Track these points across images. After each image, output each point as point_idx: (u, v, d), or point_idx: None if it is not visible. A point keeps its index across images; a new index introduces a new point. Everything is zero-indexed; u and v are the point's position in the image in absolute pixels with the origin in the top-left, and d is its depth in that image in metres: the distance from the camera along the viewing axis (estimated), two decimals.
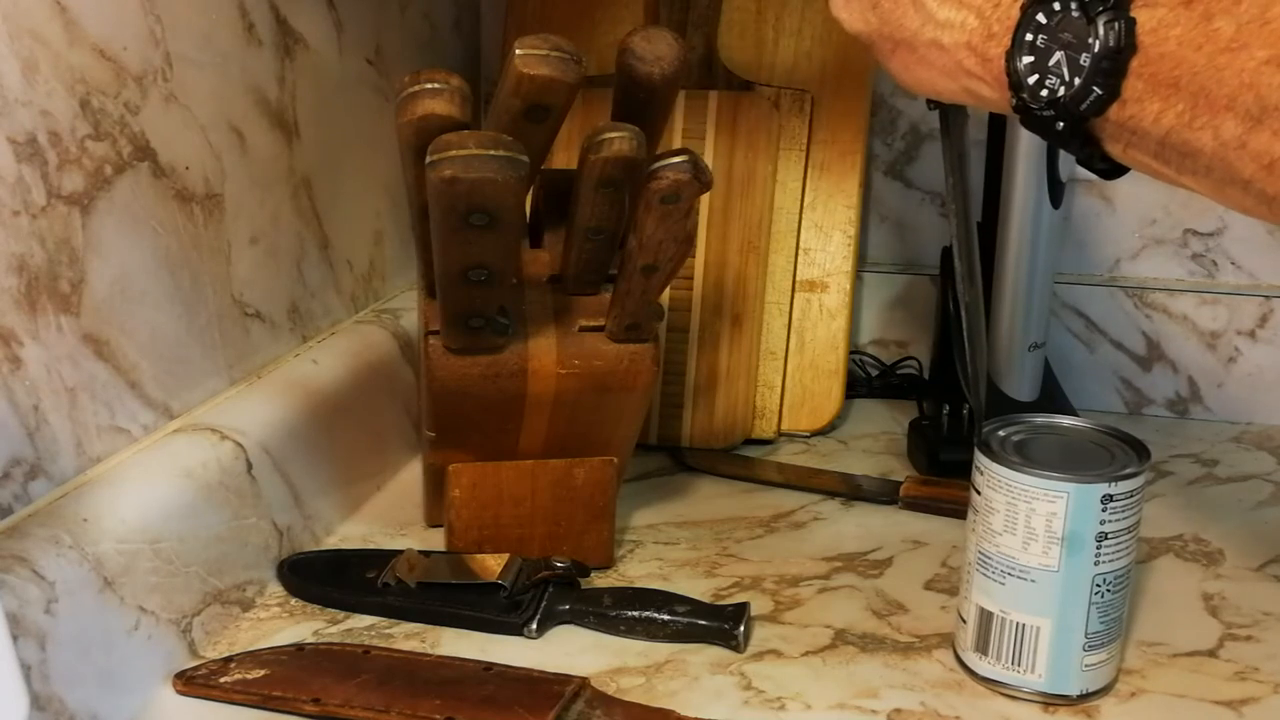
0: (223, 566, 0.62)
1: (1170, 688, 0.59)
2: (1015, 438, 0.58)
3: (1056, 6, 0.44)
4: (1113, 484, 0.54)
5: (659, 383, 0.82)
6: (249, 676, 0.57)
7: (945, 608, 0.65)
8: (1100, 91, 0.43)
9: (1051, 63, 0.44)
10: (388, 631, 0.63)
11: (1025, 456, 0.56)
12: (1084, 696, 0.57)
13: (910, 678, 0.59)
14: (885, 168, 0.98)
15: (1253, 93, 0.39)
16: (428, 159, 0.52)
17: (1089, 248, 0.95)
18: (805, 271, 0.88)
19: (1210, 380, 0.94)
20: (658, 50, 0.58)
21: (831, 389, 0.89)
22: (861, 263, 0.98)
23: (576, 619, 0.63)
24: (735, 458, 0.85)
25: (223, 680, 0.57)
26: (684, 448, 0.85)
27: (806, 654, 0.61)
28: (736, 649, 0.61)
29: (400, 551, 0.67)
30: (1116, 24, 0.42)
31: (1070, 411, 0.85)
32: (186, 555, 0.59)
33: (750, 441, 0.87)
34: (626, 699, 0.56)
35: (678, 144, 0.82)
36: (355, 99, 0.81)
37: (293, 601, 0.65)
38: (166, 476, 0.59)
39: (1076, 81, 0.44)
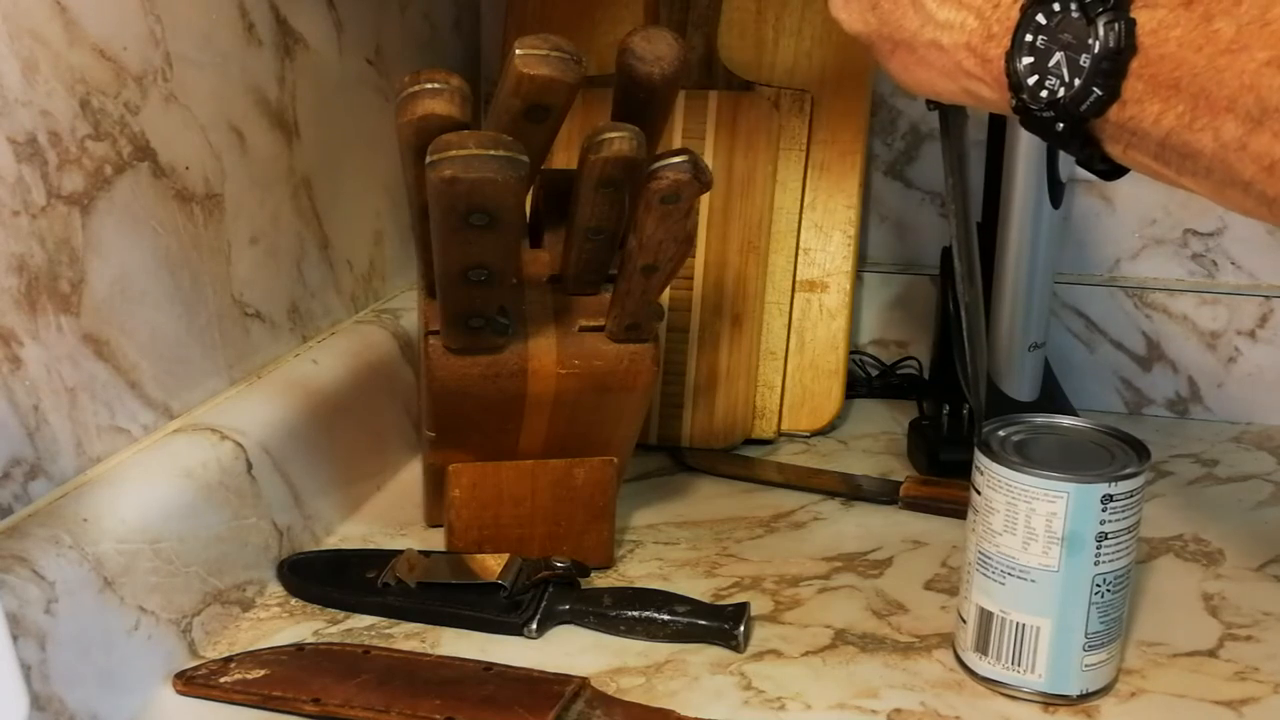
0: (223, 566, 0.62)
1: (1170, 688, 0.59)
2: (1015, 438, 0.58)
3: (1056, 7, 0.44)
4: (1113, 484, 0.54)
5: (659, 383, 0.82)
6: (249, 676, 0.57)
7: (945, 608, 0.65)
8: (1100, 92, 0.43)
9: (1051, 64, 0.44)
10: (388, 631, 0.63)
11: (1025, 456, 0.56)
12: (1084, 696, 0.57)
13: (910, 678, 0.59)
14: (885, 168, 0.98)
15: (1253, 94, 0.39)
16: (428, 159, 0.52)
17: (1089, 248, 0.95)
18: (805, 271, 0.88)
19: (1210, 380, 0.94)
20: (658, 50, 0.58)
21: (831, 389, 0.89)
22: (861, 263, 0.98)
23: (576, 619, 0.63)
24: (735, 458, 0.85)
25: (223, 680, 0.57)
26: (684, 448, 0.85)
27: (806, 654, 0.61)
28: (736, 649, 0.61)
29: (400, 551, 0.67)
30: (1116, 25, 0.42)
31: (1070, 411, 0.85)
32: (186, 555, 0.59)
33: (750, 441, 0.87)
34: (626, 699, 0.56)
35: (678, 144, 0.82)
36: (355, 99, 0.81)
37: (293, 601, 0.65)
38: (166, 476, 0.59)
39: (1076, 82, 0.44)
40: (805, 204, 0.88)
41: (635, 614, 0.62)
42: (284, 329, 0.74)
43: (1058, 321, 0.94)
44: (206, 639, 0.60)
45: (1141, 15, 0.42)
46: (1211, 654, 0.62)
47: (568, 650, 0.61)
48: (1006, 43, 0.46)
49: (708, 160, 0.74)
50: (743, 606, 0.62)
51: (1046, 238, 0.82)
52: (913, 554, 0.72)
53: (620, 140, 0.55)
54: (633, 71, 0.58)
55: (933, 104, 0.57)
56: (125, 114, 0.58)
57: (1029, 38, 0.45)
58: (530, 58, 0.53)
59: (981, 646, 0.58)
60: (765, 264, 0.86)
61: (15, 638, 0.48)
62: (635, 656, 0.61)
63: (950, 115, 0.61)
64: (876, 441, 0.89)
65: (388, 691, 0.56)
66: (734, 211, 0.83)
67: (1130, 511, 0.55)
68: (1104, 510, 0.54)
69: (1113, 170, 0.46)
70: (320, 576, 0.66)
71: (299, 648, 0.60)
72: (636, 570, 0.69)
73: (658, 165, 0.56)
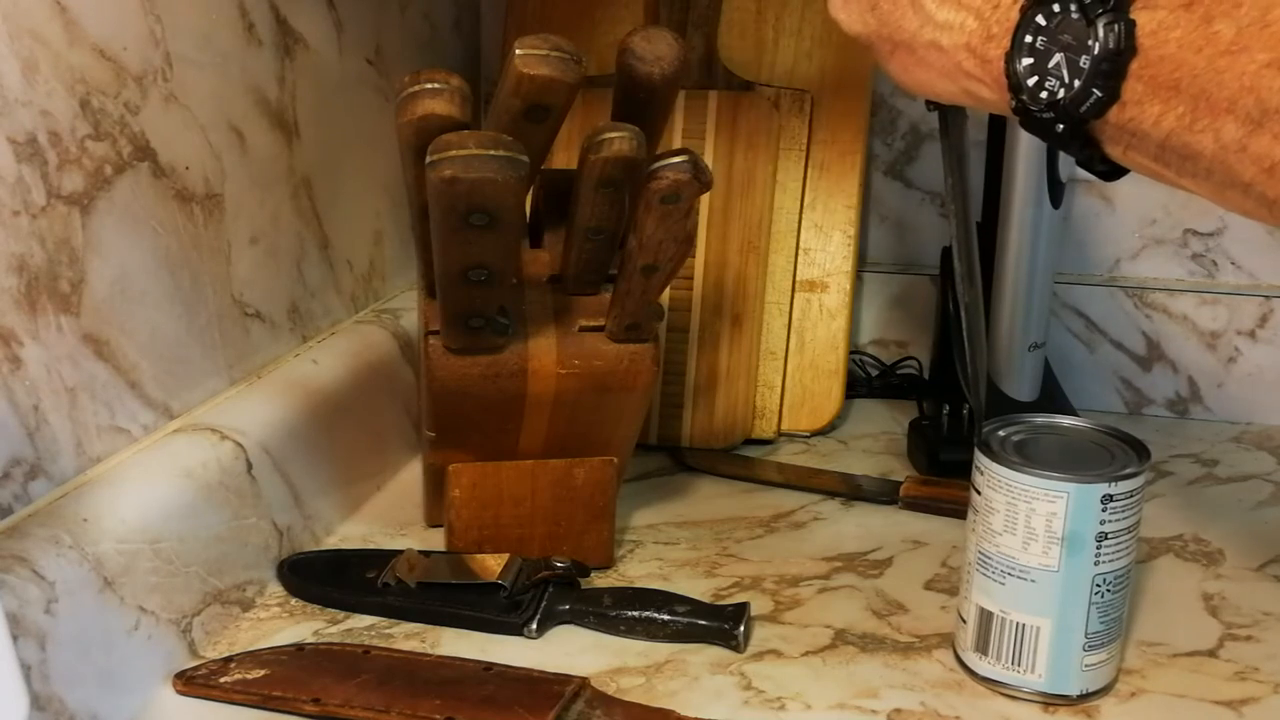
0: (223, 566, 0.62)
1: (1170, 688, 0.59)
2: (1015, 438, 0.58)
3: (1056, 8, 0.44)
4: (1113, 484, 0.54)
5: (659, 383, 0.82)
6: (249, 676, 0.57)
7: (945, 608, 0.65)
8: (1100, 94, 0.43)
9: (1051, 65, 0.44)
10: (388, 631, 0.63)
11: (1025, 456, 0.56)
12: (1084, 696, 0.57)
13: (910, 678, 0.59)
14: (885, 168, 0.98)
15: (1253, 96, 0.39)
16: (428, 159, 0.52)
17: (1089, 248, 0.95)
18: (805, 271, 0.88)
19: (1210, 380, 0.94)
20: (658, 50, 0.58)
21: (831, 389, 0.89)
22: (861, 263, 0.98)
23: (576, 619, 0.63)
24: (735, 458, 0.85)
25: (223, 680, 0.57)
26: (684, 448, 0.85)
27: (806, 654, 0.61)
28: (736, 649, 0.61)
29: (400, 551, 0.67)
30: (1116, 26, 0.42)
31: (1070, 411, 0.85)
32: (186, 555, 0.59)
33: (750, 441, 0.87)
34: (626, 699, 0.56)
35: (678, 144, 0.82)
36: (355, 99, 0.81)
37: (293, 601, 0.65)
38: (166, 476, 0.59)
39: (1076, 84, 0.44)
40: (805, 204, 0.88)
41: (635, 614, 0.62)
42: (284, 329, 0.74)
43: (1058, 321, 0.94)
44: (206, 639, 0.60)
45: (1141, 16, 0.42)
46: (1211, 654, 0.62)
47: (568, 650, 0.61)
48: (1006, 44, 0.46)
49: (708, 160, 0.74)
50: (743, 606, 0.62)
51: (1046, 238, 0.82)
52: (913, 554, 0.72)
53: (620, 140, 0.55)
54: (633, 71, 0.58)
55: (932, 104, 0.57)
56: (125, 114, 0.58)
57: (1029, 39, 0.45)
58: (530, 58, 0.53)
59: (981, 646, 0.58)
60: (765, 264, 0.86)
61: (15, 638, 0.48)
62: (635, 656, 0.61)
63: (950, 115, 0.61)
64: (876, 441, 0.89)
65: (388, 691, 0.56)
66: (734, 211, 0.83)
67: (1130, 511, 0.55)
68: (1104, 510, 0.54)
69: (1112, 171, 0.46)
70: (320, 576, 0.66)
71: (299, 648, 0.60)
72: (636, 570, 0.69)
73: (658, 165, 0.56)
